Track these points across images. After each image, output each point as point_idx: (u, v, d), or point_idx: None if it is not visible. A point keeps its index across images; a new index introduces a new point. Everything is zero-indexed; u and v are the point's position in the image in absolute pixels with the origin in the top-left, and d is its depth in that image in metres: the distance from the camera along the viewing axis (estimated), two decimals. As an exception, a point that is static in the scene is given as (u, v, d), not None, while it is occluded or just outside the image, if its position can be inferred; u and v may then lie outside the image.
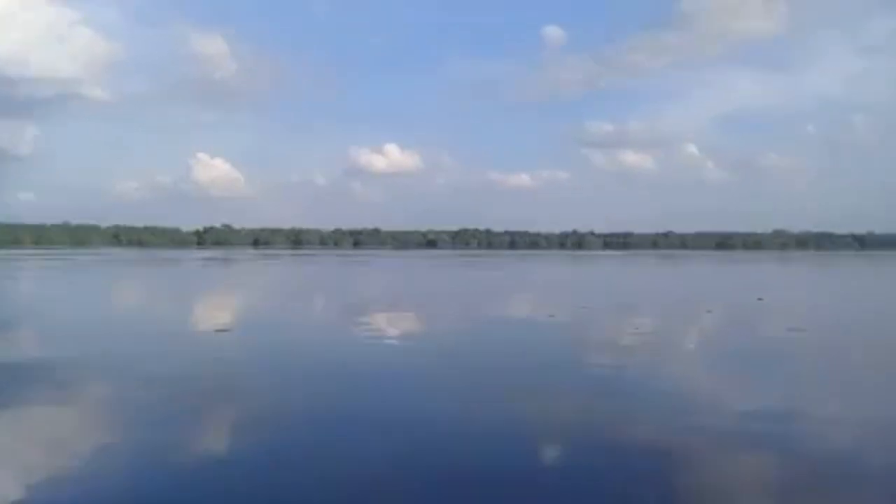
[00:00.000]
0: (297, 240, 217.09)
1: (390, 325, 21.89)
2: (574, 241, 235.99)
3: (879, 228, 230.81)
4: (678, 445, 8.75)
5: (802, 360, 15.75)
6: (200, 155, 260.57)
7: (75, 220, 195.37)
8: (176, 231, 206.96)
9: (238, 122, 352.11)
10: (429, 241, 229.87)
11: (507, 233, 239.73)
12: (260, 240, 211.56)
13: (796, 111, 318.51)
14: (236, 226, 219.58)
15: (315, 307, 29.67)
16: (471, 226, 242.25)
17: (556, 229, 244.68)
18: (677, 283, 49.16)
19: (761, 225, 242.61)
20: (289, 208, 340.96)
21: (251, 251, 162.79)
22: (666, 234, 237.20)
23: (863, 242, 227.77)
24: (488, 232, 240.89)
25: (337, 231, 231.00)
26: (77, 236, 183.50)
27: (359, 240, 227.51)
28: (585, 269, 72.72)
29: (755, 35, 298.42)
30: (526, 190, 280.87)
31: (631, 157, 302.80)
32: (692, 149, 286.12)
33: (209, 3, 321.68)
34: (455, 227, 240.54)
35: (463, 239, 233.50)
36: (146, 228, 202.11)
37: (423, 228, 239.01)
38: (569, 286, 45.17)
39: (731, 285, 45.00)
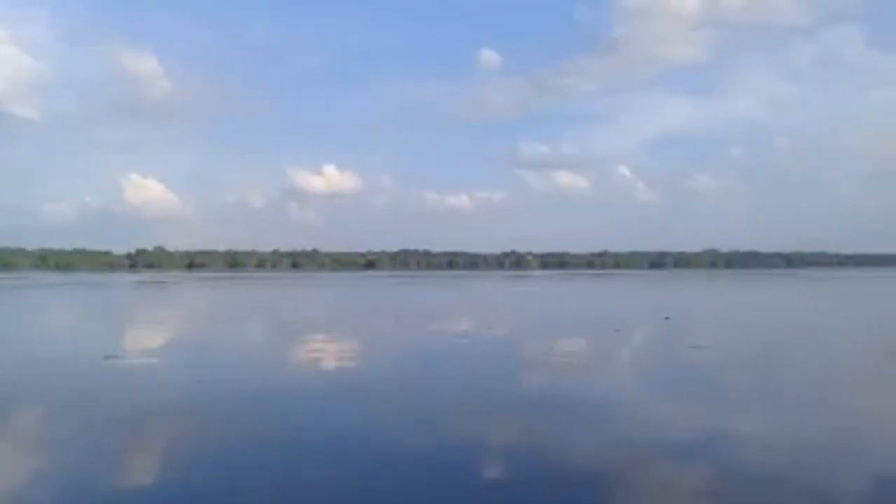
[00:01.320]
0: (233, 262, 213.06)
1: (314, 351, 21.74)
2: (512, 262, 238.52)
3: (805, 247, 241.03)
4: (555, 453, 9.46)
5: (695, 376, 16.45)
6: (132, 175, 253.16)
7: (0, 243, 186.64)
8: (107, 254, 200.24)
9: (172, 142, 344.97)
10: (368, 263, 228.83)
11: (446, 253, 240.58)
12: (195, 262, 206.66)
13: (724, 134, 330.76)
14: (170, 248, 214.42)
15: (228, 331, 29.20)
16: (410, 247, 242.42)
17: (495, 250, 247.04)
18: (596, 303, 50.24)
19: (692, 244, 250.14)
20: (225, 230, 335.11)
21: (184, 274, 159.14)
22: (601, 254, 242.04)
23: (789, 261, 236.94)
24: (427, 253, 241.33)
25: (275, 253, 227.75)
26: (2, 259, 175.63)
27: (297, 262, 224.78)
28: (512, 291, 73.54)
29: (683, 61, 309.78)
30: (464, 211, 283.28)
31: (565, 179, 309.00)
32: (624, 170, 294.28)
33: (142, 22, 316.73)
34: (395, 249, 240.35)
35: (402, 260, 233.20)
36: (75, 251, 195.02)
37: (363, 250, 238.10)
38: (490, 308, 45.63)
39: (646, 304, 46.16)
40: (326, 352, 21.27)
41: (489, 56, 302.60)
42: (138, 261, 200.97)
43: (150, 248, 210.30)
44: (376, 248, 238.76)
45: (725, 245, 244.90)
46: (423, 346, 22.91)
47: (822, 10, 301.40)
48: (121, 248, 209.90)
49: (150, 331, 28.95)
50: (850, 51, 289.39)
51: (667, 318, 31.11)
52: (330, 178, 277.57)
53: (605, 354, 20.98)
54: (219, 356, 20.42)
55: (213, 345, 23.82)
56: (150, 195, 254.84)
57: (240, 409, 12.63)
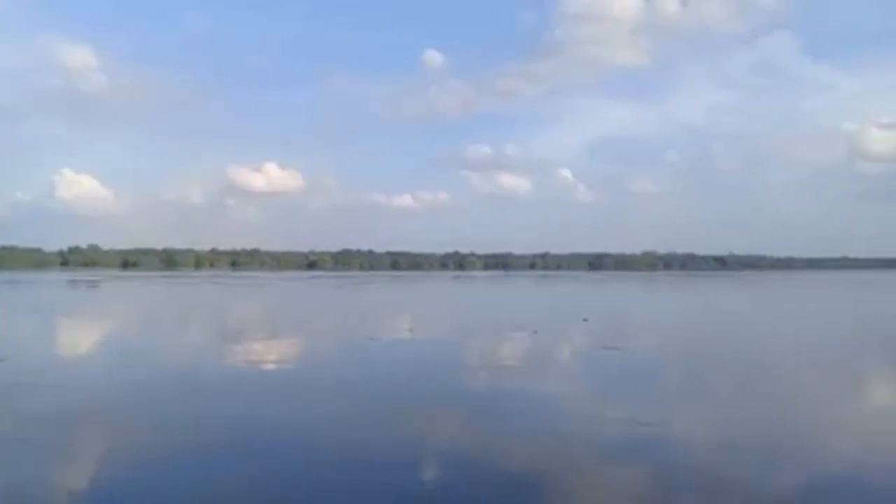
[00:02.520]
0: (170, 261, 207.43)
1: (243, 353, 21.56)
2: (456, 262, 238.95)
3: (738, 250, 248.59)
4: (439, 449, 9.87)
5: (601, 376, 17.08)
6: (65, 171, 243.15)
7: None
8: (37, 252, 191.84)
9: (107, 137, 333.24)
10: (310, 263, 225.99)
11: (389, 254, 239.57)
12: (129, 261, 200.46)
13: (662, 139, 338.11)
14: (104, 246, 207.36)
15: (133, 333, 28.50)
16: (353, 247, 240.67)
17: (439, 250, 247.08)
18: (524, 305, 50.78)
19: (631, 246, 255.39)
20: (162, 228, 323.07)
21: (118, 273, 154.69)
22: (543, 255, 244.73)
23: (724, 263, 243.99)
24: (371, 253, 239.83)
25: (213, 252, 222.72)
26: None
27: (237, 261, 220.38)
28: (446, 293, 73.89)
29: (624, 65, 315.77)
30: (408, 211, 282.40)
31: (509, 180, 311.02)
32: (566, 173, 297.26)
33: (77, 14, 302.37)
34: (337, 249, 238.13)
35: (345, 260, 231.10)
36: (3, 249, 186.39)
37: (305, 249, 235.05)
38: (419, 310, 45.73)
39: (572, 306, 46.92)
40: (299, 353, 20.99)
41: (434, 57, 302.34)
42: (71, 259, 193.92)
43: (83, 246, 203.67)
44: (319, 248, 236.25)
45: (663, 247, 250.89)
46: (339, 349, 22.85)
47: (758, 19, 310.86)
48: (52, 245, 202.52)
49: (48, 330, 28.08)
50: (784, 58, 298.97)
51: (585, 319, 31.70)
52: (271, 177, 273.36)
53: (517, 356, 21.36)
54: (114, 358, 19.94)
55: (106, 346, 23.24)
56: (84, 192, 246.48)
57: (132, 410, 12.35)
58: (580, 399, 14.22)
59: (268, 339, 25.58)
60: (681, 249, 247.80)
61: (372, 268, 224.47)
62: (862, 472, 9.31)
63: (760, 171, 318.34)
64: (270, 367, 18.75)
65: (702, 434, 11.21)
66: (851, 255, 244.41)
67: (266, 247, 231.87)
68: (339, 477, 8.85)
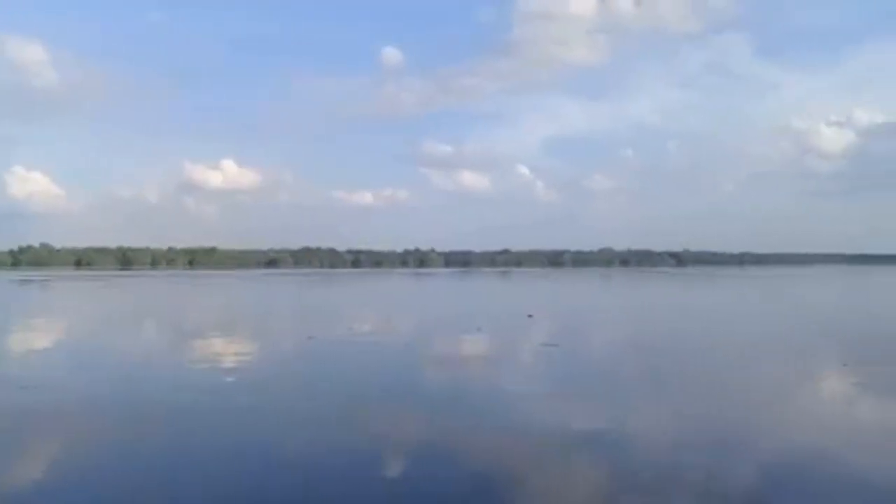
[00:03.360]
0: (125, 260, 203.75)
1: (202, 354, 21.77)
2: (416, 260, 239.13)
3: (693, 246, 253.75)
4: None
5: (535, 372, 17.98)
6: (16, 168, 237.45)
7: None
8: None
9: (59, 134, 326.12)
10: (270, 261, 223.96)
11: (350, 252, 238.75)
12: (83, 260, 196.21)
13: (618, 136, 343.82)
14: (57, 245, 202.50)
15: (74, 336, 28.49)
16: (314, 245, 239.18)
17: (399, 248, 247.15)
18: (474, 302, 51.63)
19: (589, 243, 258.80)
20: (116, 227, 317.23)
21: (71, 273, 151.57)
22: (503, 252, 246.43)
23: (679, 259, 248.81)
24: (332, 251, 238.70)
25: (170, 250, 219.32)
26: None
27: (195, 259, 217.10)
28: (403, 290, 74.39)
29: (581, 64, 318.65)
30: (369, 208, 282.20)
31: (468, 178, 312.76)
32: (524, 170, 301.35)
33: (26, 10, 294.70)
34: (297, 247, 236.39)
35: (306, 258, 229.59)
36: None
37: (264, 248, 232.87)
38: (371, 307, 46.25)
39: (522, 303, 47.95)
40: (251, 353, 21.25)
41: (393, 54, 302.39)
42: (23, 259, 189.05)
43: (35, 245, 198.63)
44: (278, 246, 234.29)
45: (620, 244, 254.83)
46: (276, 349, 23.28)
47: (711, 19, 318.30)
48: (3, 245, 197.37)
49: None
50: (737, 58, 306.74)
51: (530, 315, 32.59)
52: (229, 174, 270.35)
53: (457, 352, 22.07)
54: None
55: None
56: (36, 189, 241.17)
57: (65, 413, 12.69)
58: (506, 396, 14.87)
59: (202, 339, 25.80)
60: (637, 246, 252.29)
61: (333, 266, 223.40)
62: (768, 455, 10.19)
63: (715, 168, 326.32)
64: (202, 367, 19.02)
65: (617, 426, 11.95)
66: (803, 250, 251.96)
67: (225, 245, 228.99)
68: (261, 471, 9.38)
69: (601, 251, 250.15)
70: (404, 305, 47.28)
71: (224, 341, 24.92)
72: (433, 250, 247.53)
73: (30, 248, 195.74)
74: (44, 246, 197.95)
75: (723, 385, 15.86)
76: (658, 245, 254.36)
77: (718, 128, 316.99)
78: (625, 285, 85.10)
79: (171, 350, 22.89)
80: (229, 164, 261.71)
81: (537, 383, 16.32)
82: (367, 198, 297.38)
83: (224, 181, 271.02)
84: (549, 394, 15.00)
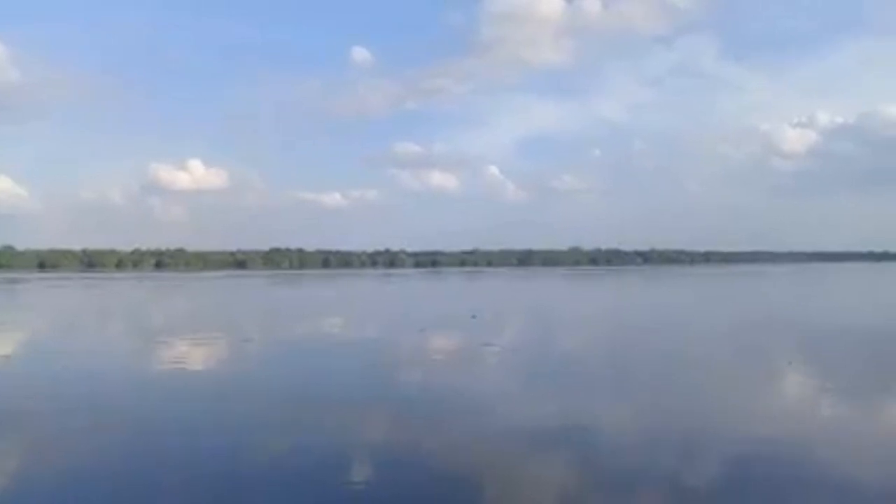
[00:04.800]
0: (90, 262, 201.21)
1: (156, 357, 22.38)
2: (386, 260, 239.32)
3: (660, 245, 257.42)
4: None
5: (470, 371, 18.92)
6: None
7: None
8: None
9: (22, 134, 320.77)
10: (238, 262, 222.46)
11: (319, 252, 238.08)
12: (47, 262, 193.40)
13: (587, 137, 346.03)
14: (19, 247, 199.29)
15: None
16: (282, 245, 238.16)
17: (369, 248, 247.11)
18: (425, 303, 52.37)
19: (558, 242, 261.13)
20: (81, 228, 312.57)
21: (34, 275, 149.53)
22: (472, 252, 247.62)
23: (646, 258, 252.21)
24: (301, 252, 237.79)
25: (136, 252, 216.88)
26: None
27: (161, 261, 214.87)
28: (363, 291, 74.93)
29: (549, 65, 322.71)
30: (338, 209, 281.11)
31: (438, 178, 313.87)
32: (494, 170, 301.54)
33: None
34: (266, 248, 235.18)
35: (274, 259, 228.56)
36: None
37: (233, 249, 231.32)
38: (324, 308, 46.83)
39: (471, 304, 48.82)
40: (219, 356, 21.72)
41: (362, 54, 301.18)
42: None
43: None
44: (247, 247, 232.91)
45: (589, 243, 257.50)
46: (222, 351, 23.86)
47: (678, 21, 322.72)
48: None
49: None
50: (703, 60, 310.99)
51: (473, 316, 33.51)
52: (195, 174, 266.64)
53: (394, 353, 22.97)
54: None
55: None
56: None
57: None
58: (438, 392, 15.91)
59: (143, 342, 26.32)
60: (606, 245, 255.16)
61: (302, 266, 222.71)
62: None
63: (681, 167, 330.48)
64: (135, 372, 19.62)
65: (542, 420, 12.87)
66: (768, 248, 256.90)
67: (192, 246, 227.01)
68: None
69: (570, 251, 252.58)
70: (359, 307, 47.91)
71: (173, 345, 25.43)
72: (403, 251, 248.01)
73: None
74: (6, 248, 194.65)
75: (654, 382, 16.87)
76: (626, 244, 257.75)
77: (685, 128, 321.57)
78: (584, 284, 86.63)
79: (135, 352, 23.40)
80: (196, 165, 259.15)
81: (464, 383, 17.14)
82: (336, 198, 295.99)
83: (191, 182, 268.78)
84: (463, 389, 15.93)
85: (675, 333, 27.82)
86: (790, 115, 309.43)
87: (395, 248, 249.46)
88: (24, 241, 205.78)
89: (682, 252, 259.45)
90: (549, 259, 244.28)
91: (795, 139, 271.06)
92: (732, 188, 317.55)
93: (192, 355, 22.53)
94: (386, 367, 20.04)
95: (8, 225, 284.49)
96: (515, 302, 52.35)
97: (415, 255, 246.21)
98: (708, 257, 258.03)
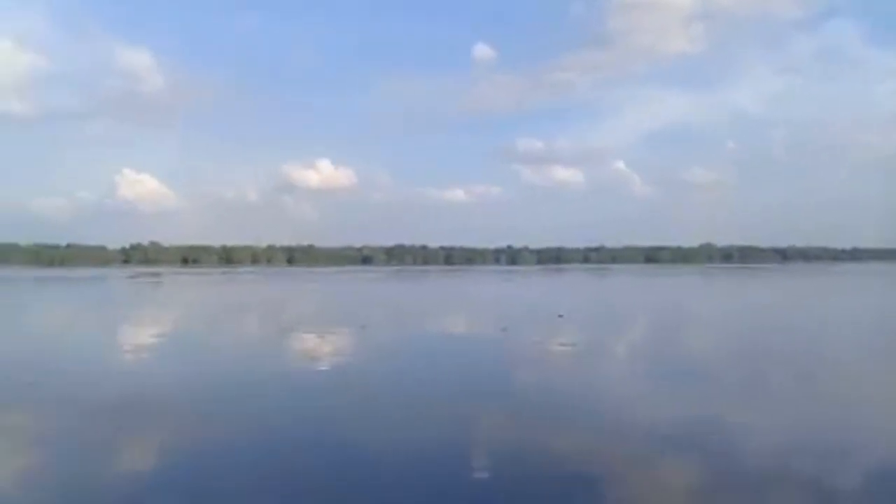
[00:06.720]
0: (227, 257, 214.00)
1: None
2: (508, 257, 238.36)
3: (800, 241, 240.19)
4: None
5: (538, 371, 17.92)
6: (126, 171, 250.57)
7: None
8: (101, 249, 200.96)
9: (165, 137, 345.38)
10: (364, 258, 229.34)
11: (442, 248, 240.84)
12: (189, 257, 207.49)
13: (719, 128, 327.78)
14: (164, 243, 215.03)
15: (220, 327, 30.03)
16: (406, 242, 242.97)
17: (491, 244, 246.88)
18: (521, 301, 50.17)
19: (689, 239, 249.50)
20: (219, 225, 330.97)
21: (181, 269, 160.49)
22: (597, 249, 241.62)
23: (785, 255, 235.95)
24: (424, 248, 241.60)
25: (270, 248, 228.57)
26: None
27: (293, 257, 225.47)
28: (469, 288, 74.24)
29: (680, 54, 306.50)
30: (460, 205, 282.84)
31: (561, 173, 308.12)
32: (620, 164, 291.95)
33: (135, 17, 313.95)
34: (390, 244, 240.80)
35: (398, 255, 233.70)
36: (69, 247, 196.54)
37: (359, 245, 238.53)
38: (428, 303, 46.41)
39: (569, 301, 46.86)
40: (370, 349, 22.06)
41: (484, 51, 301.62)
42: (132, 256, 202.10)
43: (144, 242, 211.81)
44: (372, 244, 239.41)
45: (722, 239, 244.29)
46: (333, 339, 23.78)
47: (819, 5, 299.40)
48: (115, 243, 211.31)
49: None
50: (846, 45, 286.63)
51: (560, 316, 31.75)
52: (324, 173, 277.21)
53: (468, 352, 22.12)
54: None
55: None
56: (144, 190, 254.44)
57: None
58: (497, 391, 15.14)
59: (279, 333, 27.24)
60: (740, 241, 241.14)
61: (425, 262, 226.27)
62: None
63: (822, 159, 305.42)
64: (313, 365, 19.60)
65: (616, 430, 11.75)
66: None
67: (321, 243, 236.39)
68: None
69: (702, 247, 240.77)
70: (455, 303, 47.11)
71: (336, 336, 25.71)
72: (526, 247, 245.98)
73: (139, 246, 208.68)
74: (153, 244, 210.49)
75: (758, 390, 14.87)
76: (762, 240, 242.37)
77: (826, 117, 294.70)
78: (709, 282, 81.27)
79: (268, 343, 24.01)
80: (325, 164, 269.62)
81: (534, 379, 16.49)
82: (459, 195, 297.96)
83: (320, 181, 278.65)
84: (537, 389, 15.22)
85: (833, 341, 24.43)
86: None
87: (517, 244, 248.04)
88: (169, 238, 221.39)
89: (824, 249, 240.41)
90: (679, 256, 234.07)
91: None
92: (879, 180, 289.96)
93: (314, 345, 22.89)
94: (445, 364, 19.27)
95: (154, 222, 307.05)
96: (621, 300, 49.56)
97: (537, 251, 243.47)
98: (854, 254, 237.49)
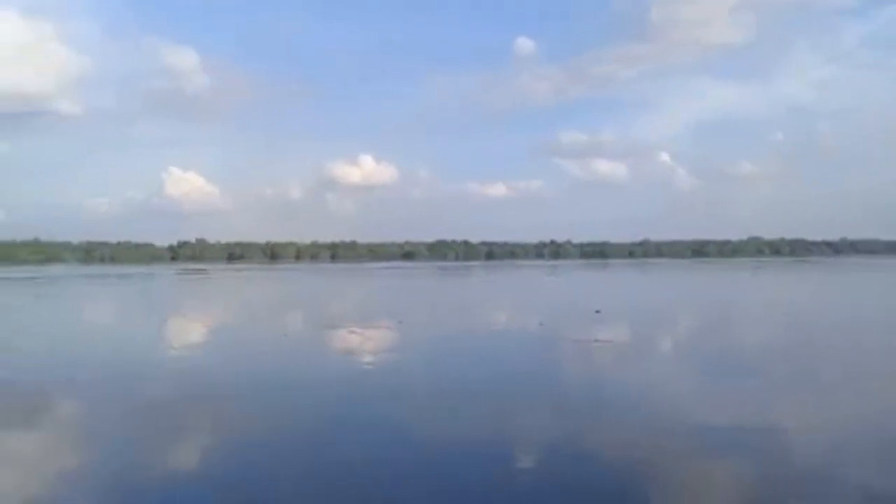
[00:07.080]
0: (272, 254, 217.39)
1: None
2: (551, 251, 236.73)
3: (851, 234, 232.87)
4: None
5: (568, 366, 17.99)
6: (173, 169, 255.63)
7: (45, 237, 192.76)
8: (149, 246, 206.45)
9: (210, 136, 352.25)
10: (406, 254, 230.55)
11: (484, 244, 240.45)
12: (235, 254, 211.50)
13: (767, 119, 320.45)
14: (210, 240, 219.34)
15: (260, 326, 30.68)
16: (448, 237, 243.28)
17: (534, 239, 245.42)
18: (562, 296, 49.68)
19: (736, 232, 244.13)
20: (264, 222, 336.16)
21: (228, 266, 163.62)
22: (642, 243, 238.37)
23: (836, 248, 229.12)
24: (466, 243, 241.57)
25: (313, 244, 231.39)
26: (50, 253, 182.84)
27: (336, 253, 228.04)
28: (511, 283, 73.80)
29: (724, 44, 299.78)
30: (502, 200, 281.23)
31: (605, 167, 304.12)
32: (665, 157, 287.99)
33: (180, 17, 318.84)
34: (432, 239, 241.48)
35: (440, 251, 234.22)
36: (119, 244, 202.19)
37: (401, 241, 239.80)
38: (462, 299, 46.34)
39: (611, 297, 46.14)
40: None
41: (525, 44, 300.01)
42: (180, 253, 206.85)
43: (191, 240, 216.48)
44: (414, 239, 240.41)
45: (770, 232, 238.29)
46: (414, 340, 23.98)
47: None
48: (162, 240, 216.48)
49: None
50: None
51: (597, 311, 31.29)
52: (367, 170, 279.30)
53: (503, 347, 22.21)
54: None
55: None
56: (190, 188, 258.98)
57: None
58: (527, 385, 14.84)
59: (323, 329, 27.52)
60: (789, 235, 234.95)
61: (468, 258, 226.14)
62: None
63: (874, 149, 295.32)
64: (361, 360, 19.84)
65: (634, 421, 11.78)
66: None
67: (363, 238, 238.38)
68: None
69: (749, 240, 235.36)
70: (497, 298, 46.92)
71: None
72: (569, 241, 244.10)
73: (187, 243, 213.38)
74: (199, 241, 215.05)
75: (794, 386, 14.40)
76: (812, 233, 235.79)
77: (878, 106, 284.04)
78: (764, 278, 79.28)
79: (311, 338, 24.29)
80: (367, 161, 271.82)
81: (564, 374, 16.56)
82: (500, 189, 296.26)
83: (362, 177, 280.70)
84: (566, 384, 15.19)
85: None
86: None
87: (560, 239, 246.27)
88: (215, 235, 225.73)
89: (876, 241, 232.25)
90: (726, 250, 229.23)
91: None
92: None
93: (356, 340, 23.15)
94: (489, 358, 19.43)
95: (200, 220, 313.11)
96: (666, 297, 48.63)
97: (581, 245, 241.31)
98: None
